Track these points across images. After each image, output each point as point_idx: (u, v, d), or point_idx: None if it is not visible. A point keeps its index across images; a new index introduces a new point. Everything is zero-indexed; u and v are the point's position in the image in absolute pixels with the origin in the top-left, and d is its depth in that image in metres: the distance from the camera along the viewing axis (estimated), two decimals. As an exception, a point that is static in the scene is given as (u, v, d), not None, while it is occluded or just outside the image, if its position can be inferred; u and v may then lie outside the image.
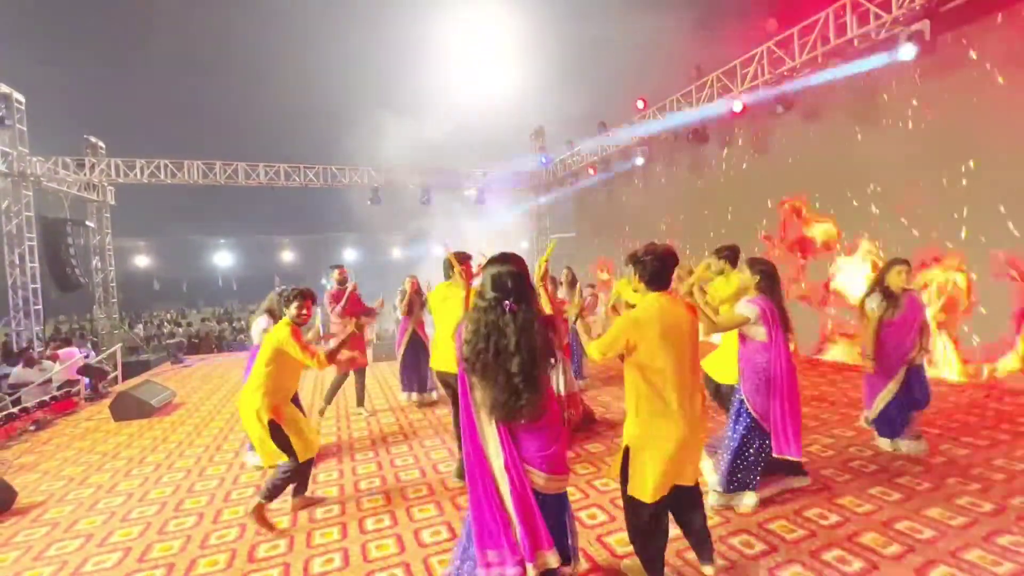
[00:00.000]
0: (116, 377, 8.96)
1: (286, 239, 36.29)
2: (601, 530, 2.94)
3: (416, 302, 6.04)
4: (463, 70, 20.43)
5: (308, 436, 3.26)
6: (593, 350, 2.20)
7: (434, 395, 6.05)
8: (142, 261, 31.31)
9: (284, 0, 22.52)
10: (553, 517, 1.94)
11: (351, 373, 5.75)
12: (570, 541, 2.04)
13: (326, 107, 24.15)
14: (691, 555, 2.48)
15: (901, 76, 6.36)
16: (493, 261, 1.87)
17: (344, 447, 4.75)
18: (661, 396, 2.09)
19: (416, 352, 5.97)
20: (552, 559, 1.86)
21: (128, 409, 6.20)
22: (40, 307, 11.10)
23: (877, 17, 6.13)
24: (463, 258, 3.49)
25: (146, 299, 27.51)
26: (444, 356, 3.35)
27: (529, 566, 1.80)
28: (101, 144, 13.16)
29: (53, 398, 6.83)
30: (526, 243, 18.81)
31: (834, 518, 2.89)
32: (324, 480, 3.94)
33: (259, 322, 4.22)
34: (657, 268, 2.16)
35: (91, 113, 19.73)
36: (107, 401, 6.91)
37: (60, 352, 7.99)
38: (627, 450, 2.17)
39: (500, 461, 1.84)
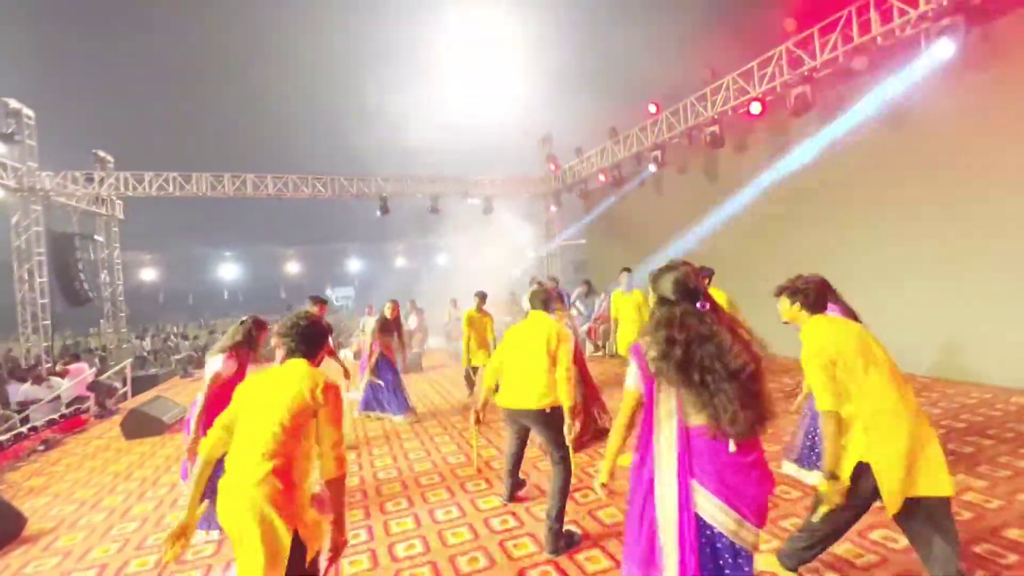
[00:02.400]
0: (126, 393, 8.81)
1: (291, 250, 36.34)
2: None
3: (393, 328, 5.96)
4: (471, 77, 20.46)
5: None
6: (828, 404, 2.07)
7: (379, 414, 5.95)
8: (148, 274, 31.41)
9: (292, 12, 22.68)
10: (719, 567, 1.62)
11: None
12: None
13: (332, 117, 24.25)
14: None
15: (932, 75, 6.20)
16: (664, 268, 1.81)
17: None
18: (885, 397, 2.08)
19: (382, 375, 5.89)
20: None
21: (139, 427, 6.03)
22: (48, 322, 11.00)
23: (902, 13, 5.98)
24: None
25: (152, 312, 27.46)
26: (520, 393, 3.06)
27: None
28: (109, 158, 13.15)
29: (62, 416, 6.67)
30: (532, 252, 18.67)
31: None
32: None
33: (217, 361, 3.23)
34: (819, 293, 2.38)
35: (99, 127, 19.83)
36: (117, 418, 6.76)
37: (71, 367, 7.84)
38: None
39: (672, 474, 1.64)
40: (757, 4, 8.36)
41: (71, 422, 6.70)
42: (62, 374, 7.62)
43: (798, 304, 2.39)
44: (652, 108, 10.35)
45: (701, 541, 1.60)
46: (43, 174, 11.04)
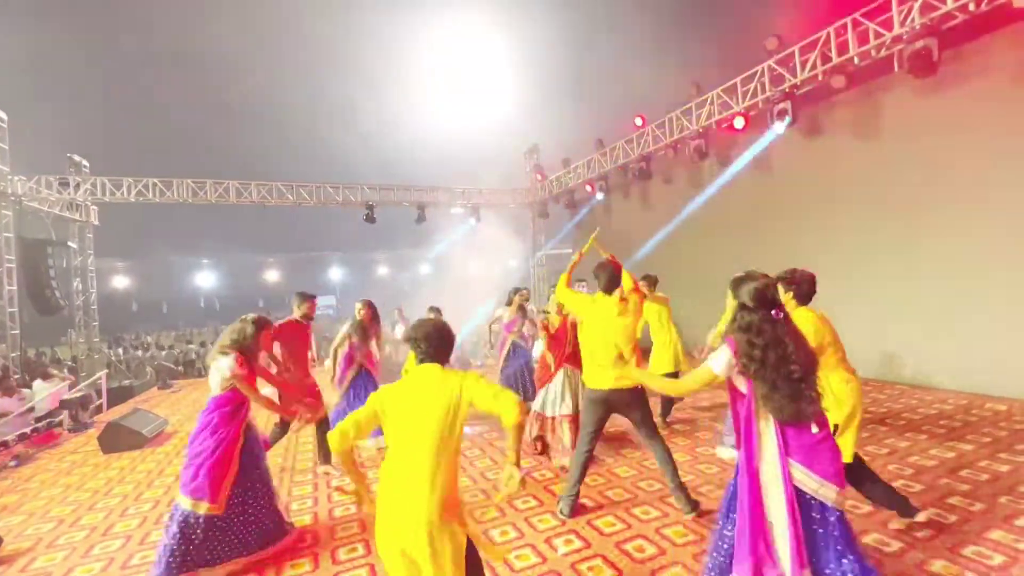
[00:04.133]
0: (101, 405, 8.48)
1: (271, 258, 35.69)
2: (653, 564, 2.75)
3: (370, 331, 5.14)
4: (459, 88, 20.56)
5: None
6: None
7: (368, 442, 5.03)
8: (120, 282, 30.44)
9: (277, 16, 22.50)
10: (833, 538, 1.85)
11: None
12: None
13: (318, 125, 24.04)
14: None
15: (903, 93, 6.49)
16: (745, 278, 1.99)
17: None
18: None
19: (360, 390, 4.98)
20: None
21: (118, 440, 5.81)
22: (18, 331, 10.56)
23: (878, 35, 6.26)
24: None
25: (124, 322, 26.57)
26: (602, 374, 3.19)
27: None
28: (85, 163, 12.77)
29: (34, 430, 6.39)
30: (516, 261, 18.74)
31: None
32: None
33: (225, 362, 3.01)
34: (810, 287, 2.82)
35: (75, 131, 19.26)
36: (93, 432, 6.50)
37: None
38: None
39: (776, 463, 1.86)
40: (741, 22, 8.63)
41: (44, 436, 6.42)
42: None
43: (791, 294, 2.78)
44: (638, 121, 10.56)
45: (801, 506, 1.84)
46: (15, 178, 10.66)
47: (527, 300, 6.25)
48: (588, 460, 3.39)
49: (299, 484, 4.38)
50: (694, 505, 3.18)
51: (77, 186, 11.94)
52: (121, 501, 4.29)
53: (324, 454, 4.61)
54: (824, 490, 1.84)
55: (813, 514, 1.85)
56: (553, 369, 4.49)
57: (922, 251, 6.37)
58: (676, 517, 3.26)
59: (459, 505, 1.87)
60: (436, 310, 5.13)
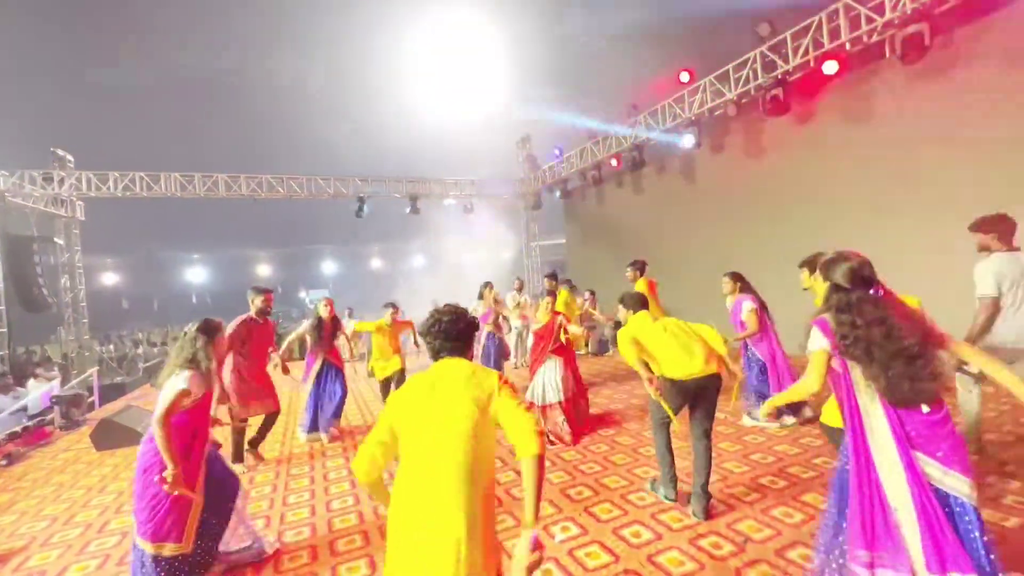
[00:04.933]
0: (93, 403, 8.41)
1: (263, 252, 35.39)
2: (650, 548, 2.78)
3: (333, 330, 5.32)
4: (449, 78, 20.34)
5: None
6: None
7: (324, 437, 5.21)
8: (110, 279, 30.07)
9: (264, 9, 22.08)
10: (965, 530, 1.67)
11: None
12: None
13: (307, 118, 23.73)
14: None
15: (893, 80, 6.49)
16: (837, 259, 1.92)
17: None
18: None
19: (326, 383, 5.21)
20: None
21: (111, 437, 5.76)
22: (5, 330, 10.42)
23: (870, 20, 6.24)
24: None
25: (115, 319, 26.32)
26: (690, 361, 3.10)
27: None
28: (69, 157, 12.54)
29: (25, 428, 6.33)
30: (509, 252, 18.71)
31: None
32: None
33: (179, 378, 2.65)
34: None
35: (58, 125, 18.88)
36: (86, 429, 6.45)
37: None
38: None
39: (892, 447, 1.74)
40: (733, 8, 8.57)
41: (35, 435, 6.36)
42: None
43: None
44: (632, 109, 10.50)
45: (939, 506, 1.66)
46: (-3, 174, 10.45)
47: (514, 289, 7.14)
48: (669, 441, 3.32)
49: (294, 491, 4.37)
50: (708, 513, 3.06)
51: (61, 181, 11.73)
52: (116, 498, 4.27)
53: (238, 453, 4.50)
54: (950, 480, 1.68)
55: (955, 508, 1.68)
56: (531, 363, 5.02)
57: (911, 237, 6.41)
58: (670, 503, 3.28)
59: (500, 550, 1.58)
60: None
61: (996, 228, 3.25)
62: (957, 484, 1.67)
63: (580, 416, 4.88)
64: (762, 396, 4.47)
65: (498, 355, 6.73)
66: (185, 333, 2.79)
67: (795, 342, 3.12)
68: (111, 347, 16.60)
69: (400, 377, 5.62)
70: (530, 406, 4.37)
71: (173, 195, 12.27)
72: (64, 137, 13.22)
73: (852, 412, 1.84)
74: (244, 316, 4.48)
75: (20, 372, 9.06)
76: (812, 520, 2.89)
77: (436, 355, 1.78)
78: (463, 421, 1.54)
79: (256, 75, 23.98)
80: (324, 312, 5.27)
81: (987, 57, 5.64)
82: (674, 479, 3.29)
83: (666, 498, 3.33)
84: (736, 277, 4.74)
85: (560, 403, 4.63)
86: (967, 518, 1.66)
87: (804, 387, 1.94)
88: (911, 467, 1.70)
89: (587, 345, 9.49)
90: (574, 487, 3.67)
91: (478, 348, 6.54)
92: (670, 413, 3.13)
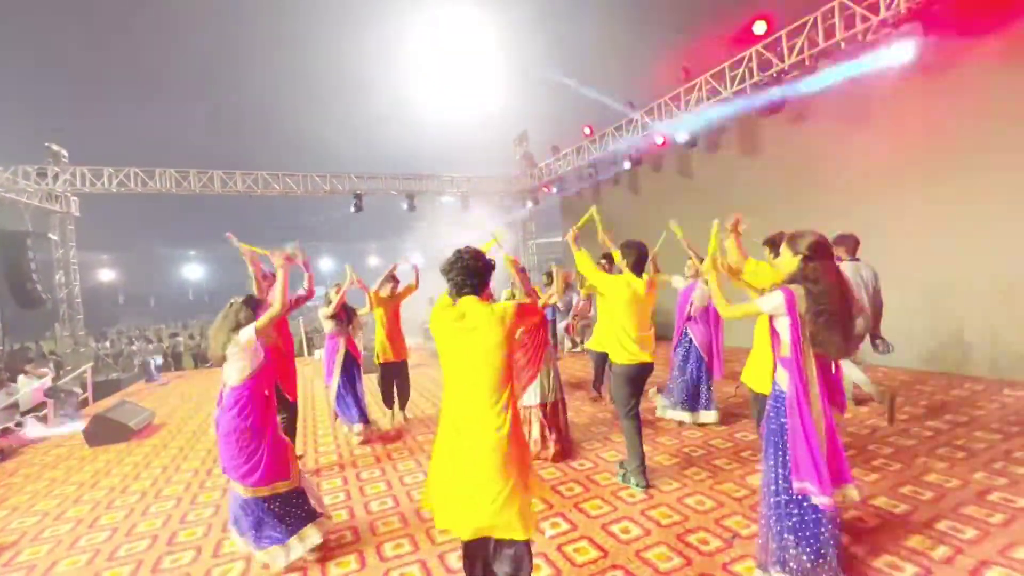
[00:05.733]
0: (86, 399, 8.39)
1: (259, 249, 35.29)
2: (638, 544, 2.79)
3: (346, 315, 5.10)
4: (446, 76, 20.28)
5: None
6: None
7: (369, 427, 5.10)
8: (106, 275, 29.95)
9: (262, 4, 21.97)
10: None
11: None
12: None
13: (304, 114, 23.66)
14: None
15: (892, 78, 6.50)
16: (801, 234, 2.22)
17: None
18: None
19: (352, 376, 5.06)
20: (855, 493, 2.22)
21: (104, 433, 5.76)
22: (0, 326, 10.38)
23: (864, 20, 6.25)
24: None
25: (111, 315, 26.24)
26: (636, 349, 3.46)
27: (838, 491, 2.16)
28: (64, 152, 12.48)
29: (18, 424, 6.31)
30: (507, 250, 18.67)
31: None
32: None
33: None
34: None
35: (52, 120, 18.78)
36: (79, 425, 6.44)
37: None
38: None
39: (818, 395, 2.15)
40: (728, 7, 8.57)
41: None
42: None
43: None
44: (628, 108, 10.49)
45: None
46: (-10, 169, 10.40)
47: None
48: (639, 425, 3.50)
49: (327, 478, 4.25)
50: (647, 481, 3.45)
51: (56, 176, 11.67)
52: (107, 494, 4.27)
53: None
54: (837, 415, 2.27)
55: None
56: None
57: (907, 235, 6.44)
58: (661, 499, 3.30)
59: (527, 449, 2.03)
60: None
61: (844, 244, 4.41)
62: (840, 418, 2.33)
63: (561, 432, 4.22)
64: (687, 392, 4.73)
65: None
66: (231, 305, 2.85)
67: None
68: (107, 344, 16.54)
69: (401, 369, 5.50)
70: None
71: (168, 191, 12.23)
72: (59, 132, 13.14)
73: (799, 365, 2.16)
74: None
75: (14, 368, 9.03)
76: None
77: (459, 291, 2.02)
78: (492, 339, 1.91)
79: (256, 74, 23.89)
80: (334, 296, 5.08)
81: (982, 56, 5.66)
82: (643, 466, 3.46)
83: (637, 486, 3.44)
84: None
85: (536, 406, 4.15)
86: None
87: (727, 310, 2.36)
88: (829, 411, 2.17)
89: (582, 342, 9.50)
90: (564, 483, 3.68)
91: None
92: None
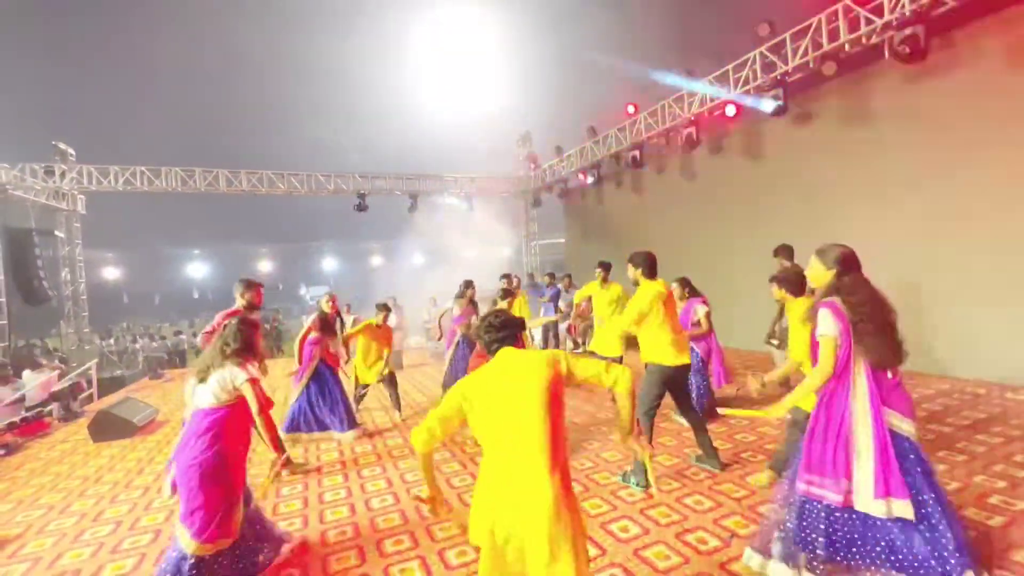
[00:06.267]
0: (91, 395, 8.46)
1: (263, 248, 35.49)
2: (637, 543, 2.81)
3: (333, 326, 5.19)
4: (450, 76, 20.34)
5: None
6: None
7: (348, 435, 5.08)
8: (111, 273, 30.17)
9: (271, 8, 22.11)
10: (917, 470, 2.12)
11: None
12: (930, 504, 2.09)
13: (309, 114, 23.77)
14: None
15: (893, 81, 6.49)
16: (830, 247, 2.27)
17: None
18: None
19: (323, 386, 5.07)
20: (904, 509, 2.03)
21: (108, 429, 5.80)
22: (6, 322, 10.48)
23: (868, 22, 6.25)
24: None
25: (115, 313, 26.42)
26: (675, 352, 3.57)
27: (879, 502, 2.06)
28: (71, 151, 12.58)
29: (24, 419, 6.37)
30: (509, 250, 18.71)
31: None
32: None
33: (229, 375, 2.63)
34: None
35: (60, 118, 18.93)
36: (83, 421, 6.50)
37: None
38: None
39: (867, 402, 2.12)
40: (733, 9, 8.56)
41: (33, 426, 6.39)
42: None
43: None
44: (631, 109, 10.52)
45: (893, 445, 2.11)
46: (-2, 166, 10.51)
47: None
48: (651, 425, 3.62)
49: (328, 475, 4.31)
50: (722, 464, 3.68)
51: (63, 174, 11.77)
52: (111, 488, 4.30)
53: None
54: (906, 425, 2.14)
55: (905, 447, 2.13)
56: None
57: (910, 238, 6.42)
58: (660, 499, 3.32)
59: (579, 507, 1.77)
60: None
61: (782, 252, 5.17)
62: (908, 428, 2.14)
63: None
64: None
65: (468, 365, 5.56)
66: (226, 327, 2.76)
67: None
68: (111, 341, 16.65)
69: (390, 378, 5.62)
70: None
71: (174, 190, 12.31)
72: (66, 131, 13.27)
73: (843, 373, 2.17)
74: (232, 308, 4.06)
75: (20, 364, 9.11)
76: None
77: (492, 348, 1.91)
78: (539, 396, 1.70)
79: (262, 74, 24.02)
80: (327, 307, 5.19)
81: (985, 59, 5.66)
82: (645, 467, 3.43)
83: (637, 485, 3.46)
84: (684, 283, 4.98)
85: None
86: (912, 456, 2.12)
87: (822, 373, 2.20)
88: (880, 419, 2.11)
89: (584, 343, 9.51)
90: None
91: (448, 354, 5.79)
92: None
